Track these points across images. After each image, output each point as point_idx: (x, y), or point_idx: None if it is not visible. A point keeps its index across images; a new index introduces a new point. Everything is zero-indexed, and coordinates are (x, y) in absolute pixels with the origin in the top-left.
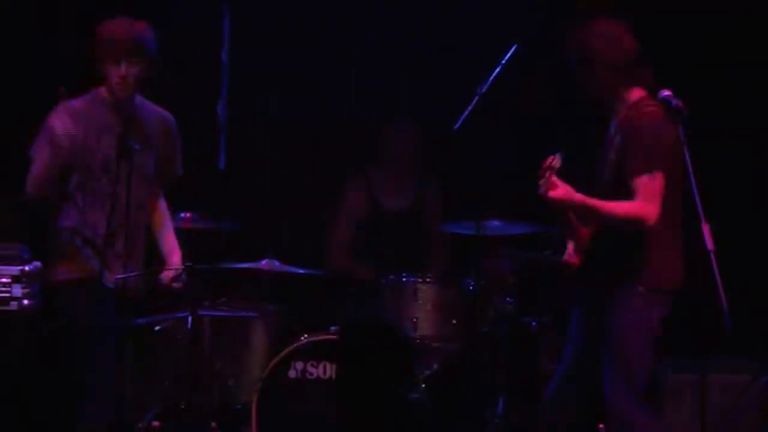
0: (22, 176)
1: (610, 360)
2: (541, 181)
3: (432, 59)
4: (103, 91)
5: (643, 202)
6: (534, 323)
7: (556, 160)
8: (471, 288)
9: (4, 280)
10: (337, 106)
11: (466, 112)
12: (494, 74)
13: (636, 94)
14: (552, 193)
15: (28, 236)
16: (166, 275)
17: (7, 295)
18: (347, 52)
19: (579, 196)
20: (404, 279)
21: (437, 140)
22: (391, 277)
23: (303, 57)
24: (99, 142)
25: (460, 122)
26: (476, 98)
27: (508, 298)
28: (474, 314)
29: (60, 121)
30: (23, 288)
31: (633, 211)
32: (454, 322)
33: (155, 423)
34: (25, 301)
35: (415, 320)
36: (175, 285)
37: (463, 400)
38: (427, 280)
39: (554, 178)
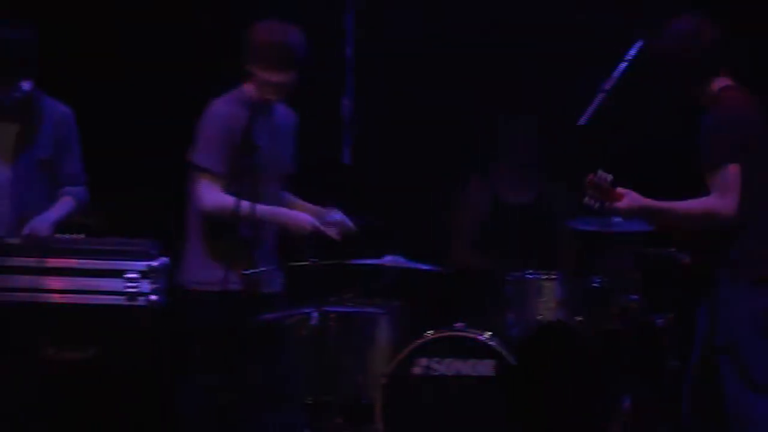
0: (146, 173)
1: (724, 355)
2: (586, 199)
3: (557, 52)
4: (248, 90)
5: (717, 196)
6: (659, 320)
7: (603, 175)
8: (595, 285)
9: (132, 275)
10: (459, 100)
11: (591, 108)
12: (619, 70)
13: (717, 84)
14: (619, 205)
15: (156, 232)
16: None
17: (136, 290)
18: (469, 46)
19: (648, 202)
20: (528, 276)
21: (562, 135)
22: (515, 273)
23: (424, 50)
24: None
25: (585, 117)
26: (601, 94)
27: (632, 295)
28: (598, 311)
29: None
30: (151, 284)
31: (707, 207)
32: (579, 319)
33: None
34: (153, 297)
35: (539, 317)
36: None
37: (587, 397)
38: (552, 276)
39: (618, 189)
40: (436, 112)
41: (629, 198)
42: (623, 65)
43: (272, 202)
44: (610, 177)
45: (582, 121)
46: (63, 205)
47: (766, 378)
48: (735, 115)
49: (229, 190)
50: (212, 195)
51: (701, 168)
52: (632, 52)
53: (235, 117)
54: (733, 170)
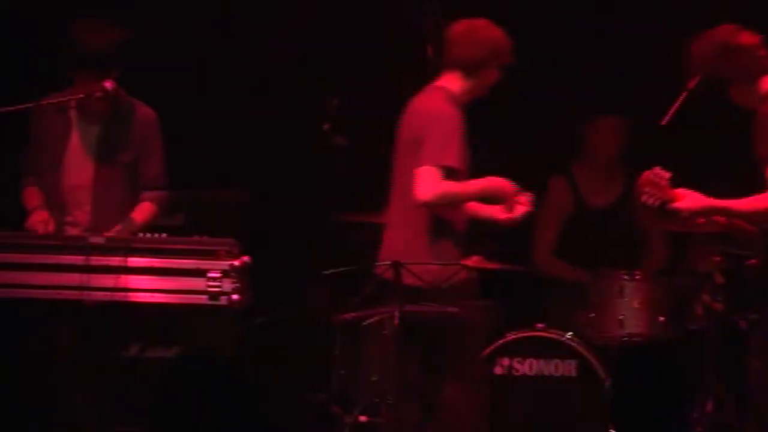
0: (228, 172)
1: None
2: (644, 197)
3: (640, 52)
4: (452, 88)
5: None
6: (743, 321)
7: (660, 173)
8: (679, 285)
9: (214, 274)
10: (542, 100)
11: (674, 108)
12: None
13: (765, 83)
14: (681, 205)
15: (239, 231)
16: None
17: (218, 289)
18: (552, 51)
19: (708, 201)
20: (610, 276)
21: (645, 135)
22: (597, 274)
23: None
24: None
25: (667, 117)
26: (684, 94)
27: (716, 296)
28: (682, 312)
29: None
30: (233, 283)
31: (764, 202)
32: (662, 319)
33: (362, 417)
34: (235, 296)
35: (621, 318)
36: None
37: (670, 399)
38: (635, 277)
39: (678, 189)
40: (518, 112)
41: (691, 198)
42: None
43: None
44: (668, 175)
45: (664, 120)
46: (142, 212)
47: None
48: None
49: None
50: (436, 185)
51: (758, 163)
52: None
53: (459, 115)
54: None
